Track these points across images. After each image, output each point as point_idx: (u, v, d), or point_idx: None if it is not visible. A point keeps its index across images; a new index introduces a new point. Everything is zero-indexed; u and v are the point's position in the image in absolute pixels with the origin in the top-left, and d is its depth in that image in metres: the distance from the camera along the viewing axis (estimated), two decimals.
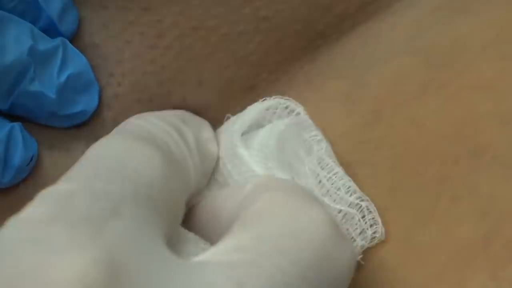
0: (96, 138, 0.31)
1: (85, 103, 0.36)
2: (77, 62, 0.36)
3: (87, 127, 0.37)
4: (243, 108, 0.34)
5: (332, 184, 0.31)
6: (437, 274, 0.28)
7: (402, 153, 0.31)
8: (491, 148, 0.29)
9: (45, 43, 0.35)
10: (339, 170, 0.31)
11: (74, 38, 0.37)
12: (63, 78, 0.35)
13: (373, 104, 0.33)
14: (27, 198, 0.32)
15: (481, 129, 0.30)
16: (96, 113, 0.37)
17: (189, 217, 0.31)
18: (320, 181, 0.31)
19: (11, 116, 0.36)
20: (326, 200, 0.30)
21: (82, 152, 0.31)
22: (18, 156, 0.35)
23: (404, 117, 0.32)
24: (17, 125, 0.35)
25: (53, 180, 0.32)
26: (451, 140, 0.30)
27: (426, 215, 0.29)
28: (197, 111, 0.36)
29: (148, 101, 0.36)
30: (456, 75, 0.32)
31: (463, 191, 0.29)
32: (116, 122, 0.35)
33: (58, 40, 0.36)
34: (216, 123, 0.35)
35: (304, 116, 0.33)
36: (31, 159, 0.35)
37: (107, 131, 0.35)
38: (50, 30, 0.36)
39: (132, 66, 0.36)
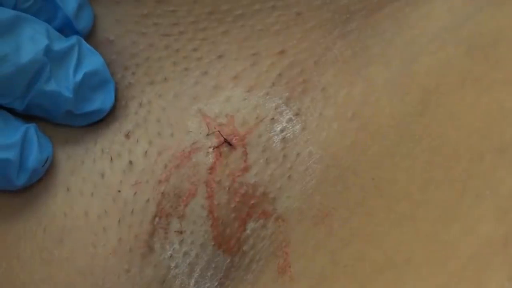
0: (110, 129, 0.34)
1: (102, 101, 0.36)
2: (93, 61, 0.36)
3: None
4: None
5: None
6: (457, 273, 0.27)
7: (438, 146, 0.31)
8: None
9: (61, 43, 0.35)
10: None
11: (88, 35, 0.37)
12: (79, 77, 0.35)
13: (422, 95, 0.33)
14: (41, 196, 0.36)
15: (506, 125, 0.29)
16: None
17: None
18: None
19: (27, 116, 0.37)
20: None
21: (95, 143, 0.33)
22: (33, 158, 0.35)
23: (445, 110, 0.31)
24: (32, 127, 0.35)
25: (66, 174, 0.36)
26: (479, 136, 0.30)
27: (451, 213, 0.29)
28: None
29: (162, 81, 0.37)
30: (491, 68, 0.31)
31: (485, 189, 0.28)
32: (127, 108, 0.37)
33: (74, 38, 0.36)
34: None
35: None
36: (46, 161, 0.36)
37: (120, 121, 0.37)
38: (66, 29, 0.36)
39: (146, 56, 0.38)
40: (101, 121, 0.38)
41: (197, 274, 0.36)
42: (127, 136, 0.37)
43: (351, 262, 0.31)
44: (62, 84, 0.35)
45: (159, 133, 0.37)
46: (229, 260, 0.36)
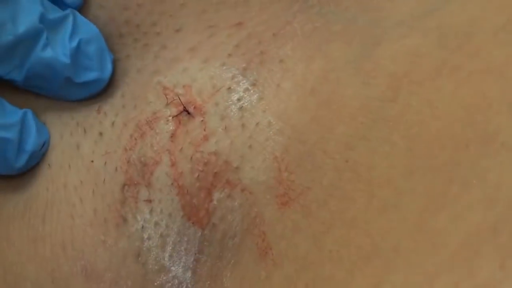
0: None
1: (100, 70, 0.37)
2: (88, 29, 0.36)
3: None
4: None
5: None
6: (448, 261, 0.28)
7: (417, 134, 0.31)
8: (500, 134, 0.28)
9: (55, 12, 0.35)
10: None
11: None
12: (74, 43, 0.35)
13: (390, 81, 0.32)
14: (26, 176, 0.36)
15: (490, 115, 0.29)
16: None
17: None
18: None
19: (26, 90, 0.37)
20: None
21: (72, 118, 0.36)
22: (32, 141, 0.36)
23: (420, 98, 0.31)
24: (29, 111, 0.36)
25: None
26: (462, 124, 0.30)
27: (438, 201, 0.29)
28: None
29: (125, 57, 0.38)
30: (468, 58, 0.31)
31: (472, 178, 0.28)
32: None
33: (68, 10, 0.36)
34: None
35: None
36: (44, 145, 0.36)
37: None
38: (57, 2, 0.36)
39: (109, 32, 0.38)
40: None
41: (170, 248, 0.36)
42: (98, 110, 0.38)
43: (336, 248, 0.31)
44: (59, 50, 0.35)
45: (123, 105, 0.37)
46: (200, 233, 0.35)
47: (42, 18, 0.34)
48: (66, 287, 0.36)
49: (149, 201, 0.36)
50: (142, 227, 0.36)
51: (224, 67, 0.36)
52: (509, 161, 0.28)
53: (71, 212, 0.36)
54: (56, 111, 0.38)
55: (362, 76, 0.33)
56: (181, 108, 0.36)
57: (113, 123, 0.37)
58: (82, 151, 0.37)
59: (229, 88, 0.36)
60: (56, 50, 0.35)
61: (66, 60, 0.35)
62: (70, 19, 0.36)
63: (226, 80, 0.36)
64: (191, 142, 0.35)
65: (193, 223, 0.36)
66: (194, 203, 0.35)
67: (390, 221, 0.30)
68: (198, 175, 0.35)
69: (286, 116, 0.34)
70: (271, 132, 0.34)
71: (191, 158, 0.35)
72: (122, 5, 0.38)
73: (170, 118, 0.36)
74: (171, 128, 0.36)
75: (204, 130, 0.35)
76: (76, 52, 0.35)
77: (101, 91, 0.38)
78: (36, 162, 0.37)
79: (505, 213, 0.27)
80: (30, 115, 0.36)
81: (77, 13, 0.36)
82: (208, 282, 0.35)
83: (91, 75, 0.36)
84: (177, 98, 0.36)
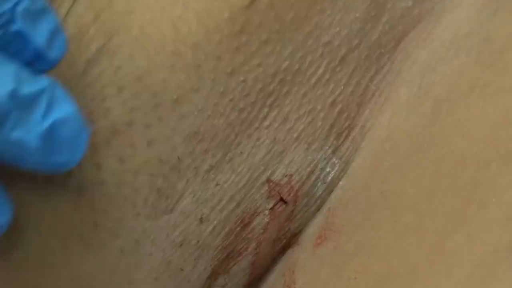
0: None
1: (70, 154, 0.32)
2: (64, 108, 0.32)
3: None
4: None
5: None
6: (463, 283, 0.27)
7: (445, 155, 0.31)
8: None
9: (31, 86, 0.32)
10: None
11: None
12: (47, 123, 0.32)
13: (433, 104, 0.33)
14: None
15: (511, 133, 0.29)
16: None
17: None
18: None
19: None
20: None
21: None
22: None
23: (454, 118, 0.31)
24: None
25: None
26: (486, 143, 0.29)
27: (456, 221, 0.29)
28: None
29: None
30: (498, 75, 0.31)
31: (491, 197, 0.28)
32: None
33: (46, 81, 0.32)
34: None
35: None
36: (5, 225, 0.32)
37: None
38: (38, 60, 0.33)
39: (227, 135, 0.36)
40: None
41: None
42: (201, 220, 0.35)
43: (354, 275, 0.31)
44: (29, 132, 0.32)
45: (231, 209, 0.36)
46: None
47: (13, 95, 0.31)
48: None
49: (223, 286, 0.36)
50: None
51: (321, 151, 0.36)
52: None
53: None
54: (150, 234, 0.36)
55: (416, 106, 0.34)
56: (278, 198, 0.36)
57: (214, 229, 0.35)
58: (172, 265, 0.35)
59: (322, 168, 0.36)
60: (25, 132, 0.32)
61: (36, 143, 0.31)
62: (46, 95, 0.32)
63: (320, 161, 0.36)
64: (279, 227, 0.36)
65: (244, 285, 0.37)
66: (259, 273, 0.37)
67: (408, 244, 0.30)
68: (275, 251, 0.36)
69: (353, 173, 0.35)
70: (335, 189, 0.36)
71: (274, 240, 0.36)
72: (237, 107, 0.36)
73: (267, 211, 0.36)
74: (266, 221, 0.36)
75: (292, 212, 0.36)
76: (48, 134, 0.32)
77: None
78: None
79: None
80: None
81: (57, 86, 0.33)
82: None
83: (60, 158, 0.32)
84: (278, 190, 0.36)
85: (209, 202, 0.34)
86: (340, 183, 0.35)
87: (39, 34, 0.32)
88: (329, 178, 0.36)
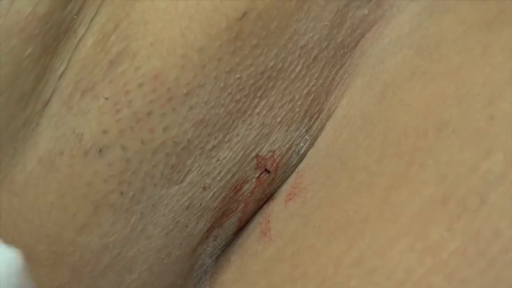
0: None
1: None
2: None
3: None
4: None
5: None
6: (406, 228, 0.32)
7: (391, 127, 0.35)
8: (451, 123, 0.33)
9: None
10: None
11: None
12: None
13: (381, 87, 0.38)
14: None
15: (444, 107, 0.33)
16: None
17: None
18: None
19: None
20: None
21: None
22: None
23: (397, 97, 0.36)
24: None
25: None
26: (424, 117, 0.34)
27: (400, 180, 0.33)
28: None
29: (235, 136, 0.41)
30: (433, 63, 0.35)
31: (428, 159, 0.32)
32: None
33: None
34: None
35: None
36: None
37: None
38: None
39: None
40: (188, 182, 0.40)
41: (214, 257, 0.42)
42: (204, 188, 0.40)
43: (318, 223, 0.35)
44: None
45: (227, 180, 0.40)
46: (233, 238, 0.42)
47: None
48: None
49: (215, 238, 0.41)
50: (204, 250, 0.41)
51: (298, 131, 0.41)
52: (457, 144, 0.32)
53: (158, 262, 0.40)
54: (161, 193, 0.40)
55: (366, 91, 0.39)
56: (263, 169, 0.41)
57: (213, 195, 0.40)
58: (180, 224, 0.40)
59: (297, 144, 0.41)
60: None
61: None
62: None
63: (296, 139, 0.41)
64: (263, 192, 0.41)
65: (232, 234, 0.42)
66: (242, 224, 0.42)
67: (362, 198, 0.34)
68: (256, 208, 0.42)
69: (318, 143, 0.40)
70: (305, 164, 0.40)
71: (258, 200, 0.41)
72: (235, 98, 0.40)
73: (254, 179, 0.40)
74: (252, 187, 0.40)
75: (273, 178, 0.41)
76: None
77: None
78: None
79: (452, 186, 0.31)
80: None
81: None
82: (222, 260, 0.40)
83: None
84: (264, 163, 0.41)
85: (211, 174, 0.39)
86: (308, 152, 0.41)
87: None
88: (302, 151, 0.41)
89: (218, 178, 0.40)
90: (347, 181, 0.36)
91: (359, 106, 0.39)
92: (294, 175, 0.40)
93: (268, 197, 0.41)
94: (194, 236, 0.40)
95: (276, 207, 0.39)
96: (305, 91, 0.40)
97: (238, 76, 0.38)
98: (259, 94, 0.39)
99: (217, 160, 0.39)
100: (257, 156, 0.40)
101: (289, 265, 0.35)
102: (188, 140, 0.37)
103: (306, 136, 0.41)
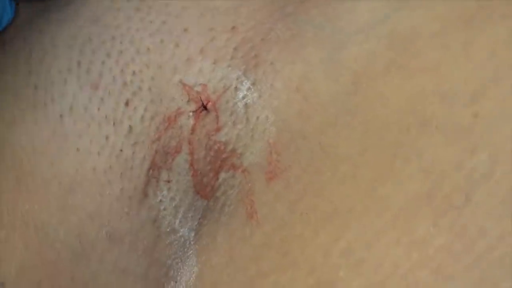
0: None
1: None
2: None
3: None
4: None
5: None
6: (391, 221, 0.32)
7: (370, 120, 0.35)
8: (434, 119, 0.32)
9: None
10: None
11: (76, 16, 0.42)
12: None
13: (353, 78, 0.36)
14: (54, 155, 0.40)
15: (427, 104, 0.33)
16: None
17: None
18: None
19: None
20: None
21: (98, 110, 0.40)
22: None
23: (374, 90, 0.35)
24: None
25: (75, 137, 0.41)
26: (405, 112, 0.33)
27: (385, 173, 0.33)
28: None
29: (146, 51, 0.41)
30: (410, 58, 0.35)
31: (412, 154, 0.32)
32: None
33: None
34: None
35: None
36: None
37: None
38: None
39: (127, 27, 0.42)
40: (104, 88, 0.40)
41: (180, 215, 0.40)
42: (127, 104, 0.40)
43: (306, 211, 0.35)
44: None
45: (152, 100, 0.40)
46: (205, 203, 0.40)
47: None
48: (91, 248, 0.40)
49: (168, 181, 0.40)
50: (160, 200, 0.40)
51: (230, 68, 0.39)
52: (441, 140, 0.32)
53: (100, 190, 0.40)
54: (81, 101, 0.40)
55: (332, 75, 0.37)
56: (199, 104, 0.39)
57: (142, 117, 0.40)
58: (111, 142, 0.40)
59: (236, 87, 0.39)
60: None
61: None
62: None
63: (232, 80, 0.39)
64: (206, 133, 0.39)
65: (200, 196, 0.40)
66: (203, 181, 0.39)
67: (347, 189, 0.34)
68: (210, 160, 0.39)
69: (278, 111, 0.38)
70: (267, 124, 0.38)
71: (205, 146, 0.39)
72: (135, 6, 0.41)
73: (191, 113, 0.39)
74: (191, 122, 0.39)
75: (217, 123, 0.39)
76: None
77: (124, 79, 0.40)
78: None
79: (437, 182, 0.31)
80: None
81: None
82: (206, 239, 0.39)
83: None
84: (198, 96, 0.39)
85: (128, 87, 0.40)
86: (268, 115, 0.39)
87: None
88: (248, 100, 0.39)
89: (139, 94, 0.40)
90: (331, 171, 0.35)
91: (327, 90, 0.37)
92: (264, 145, 0.39)
93: (226, 154, 0.40)
94: (134, 170, 0.40)
95: (256, 184, 0.38)
96: (229, 26, 0.40)
97: None
98: (166, 11, 0.40)
99: (133, 73, 0.40)
100: (182, 83, 0.40)
101: (278, 252, 0.35)
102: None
103: (247, 82, 0.40)
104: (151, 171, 0.40)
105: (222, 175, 0.39)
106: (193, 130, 0.39)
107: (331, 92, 0.37)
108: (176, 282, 0.39)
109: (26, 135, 0.41)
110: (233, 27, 0.40)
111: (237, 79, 0.40)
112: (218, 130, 0.39)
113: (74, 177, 0.40)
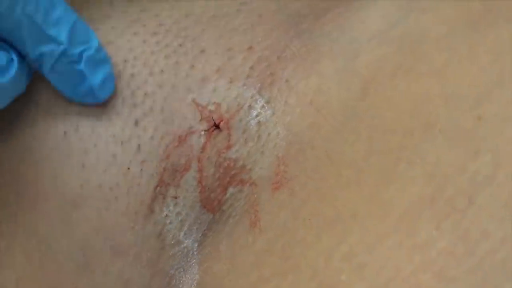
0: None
1: (103, 80, 0.39)
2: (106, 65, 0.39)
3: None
4: None
5: None
6: (394, 225, 0.31)
7: (376, 124, 0.34)
8: (438, 123, 0.32)
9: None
10: None
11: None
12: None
13: (363, 84, 0.36)
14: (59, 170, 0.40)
15: (431, 107, 0.33)
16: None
17: None
18: None
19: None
20: None
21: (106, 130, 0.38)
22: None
23: (381, 95, 0.35)
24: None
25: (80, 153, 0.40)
26: (410, 116, 0.33)
27: (388, 177, 0.32)
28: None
29: (159, 72, 0.41)
30: (417, 61, 0.35)
31: (416, 158, 0.32)
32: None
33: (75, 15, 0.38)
34: None
35: None
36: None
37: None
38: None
39: (142, 50, 0.41)
40: (112, 109, 0.40)
41: (186, 228, 0.40)
42: (136, 123, 0.40)
43: (309, 217, 0.35)
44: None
45: (163, 120, 0.40)
46: (211, 217, 0.39)
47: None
48: (95, 260, 0.39)
49: (175, 197, 0.39)
50: (166, 215, 0.39)
51: (245, 87, 0.40)
52: (444, 144, 0.31)
53: (106, 205, 0.39)
54: (87, 119, 0.40)
55: (344, 84, 0.37)
56: (212, 123, 0.39)
57: (152, 137, 0.40)
58: (119, 160, 0.40)
59: (250, 105, 0.39)
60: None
61: (63, 39, 0.37)
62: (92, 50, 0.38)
63: (247, 99, 0.39)
64: (217, 151, 0.39)
65: (207, 210, 0.40)
66: (211, 197, 0.39)
67: (350, 194, 0.33)
68: (219, 176, 0.39)
69: (290, 126, 0.38)
70: (278, 140, 0.38)
71: (215, 163, 0.39)
72: (152, 31, 0.41)
73: (203, 132, 0.39)
74: (202, 141, 0.39)
75: (229, 141, 0.39)
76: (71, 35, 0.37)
77: (134, 101, 0.40)
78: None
79: (440, 185, 0.31)
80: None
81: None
82: (209, 248, 0.39)
83: (96, 79, 0.38)
84: (210, 116, 0.39)
85: (138, 107, 0.40)
86: (280, 131, 0.39)
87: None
88: (261, 118, 0.39)
89: (150, 114, 0.40)
90: (335, 176, 0.35)
91: (337, 98, 0.37)
92: (273, 158, 0.39)
93: (235, 170, 0.40)
94: (142, 186, 0.39)
95: (262, 195, 0.38)
96: (246, 45, 0.40)
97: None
98: (183, 34, 0.40)
99: (145, 94, 0.40)
100: (195, 102, 0.40)
101: (280, 257, 0.34)
102: None
103: (261, 100, 0.40)
104: (158, 188, 0.39)
105: (230, 190, 0.39)
106: (203, 149, 0.39)
107: (342, 100, 0.37)
108: None
109: (26, 149, 0.40)
110: (250, 47, 0.40)
111: (252, 97, 0.40)
112: (229, 147, 0.39)
113: (79, 192, 0.40)
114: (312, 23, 0.40)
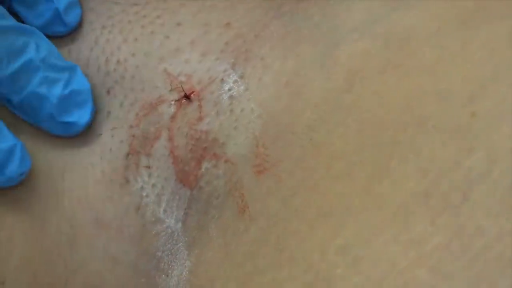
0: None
1: (79, 116, 0.39)
2: (82, 82, 0.39)
3: None
4: None
5: None
6: (389, 219, 0.31)
7: (366, 118, 0.34)
8: (431, 119, 0.32)
9: (59, 61, 0.38)
10: None
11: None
12: (66, 91, 0.38)
13: (346, 76, 0.36)
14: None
15: (424, 103, 0.32)
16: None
17: None
18: None
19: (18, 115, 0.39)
20: None
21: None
22: (13, 169, 0.37)
23: (370, 89, 0.35)
24: (19, 144, 0.38)
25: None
26: (402, 111, 0.33)
27: (382, 171, 0.32)
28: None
29: (133, 40, 0.41)
30: (407, 57, 0.34)
31: (409, 153, 0.32)
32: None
33: (70, 63, 0.39)
34: None
35: None
36: (22, 174, 0.38)
37: None
38: (56, 22, 0.39)
39: (120, 19, 0.41)
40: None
41: (164, 204, 0.39)
42: (108, 92, 0.40)
43: (301, 208, 0.34)
44: (52, 91, 0.38)
45: (132, 88, 0.40)
46: (189, 193, 0.39)
47: (44, 60, 0.37)
48: (82, 232, 0.39)
49: (148, 167, 0.39)
50: (142, 187, 0.39)
51: (218, 61, 0.39)
52: (438, 140, 0.31)
53: (85, 173, 0.39)
54: None
55: (324, 72, 0.37)
56: (182, 94, 0.39)
57: (121, 104, 0.40)
58: (92, 127, 0.40)
59: (222, 79, 0.39)
60: (50, 90, 0.38)
61: (54, 100, 0.38)
62: (69, 71, 0.38)
63: (219, 73, 0.39)
64: (187, 122, 0.39)
65: (184, 185, 0.39)
66: (185, 170, 0.39)
67: (342, 187, 0.33)
68: (191, 148, 0.39)
69: (265, 104, 0.38)
70: (252, 117, 0.38)
71: (186, 134, 0.39)
72: (132, 2, 0.41)
73: (173, 102, 0.39)
74: (172, 110, 0.39)
75: (200, 113, 0.39)
76: (65, 98, 0.38)
77: (108, 68, 0.40)
78: (14, 184, 0.38)
79: (434, 181, 0.31)
80: (19, 147, 0.37)
81: (78, 68, 0.39)
82: (195, 231, 0.39)
83: (71, 118, 0.39)
84: (181, 85, 0.39)
85: (110, 75, 0.40)
86: (254, 108, 0.38)
87: (61, 2, 0.39)
88: (233, 92, 0.39)
89: (121, 82, 0.40)
90: (324, 168, 0.35)
91: (318, 85, 0.37)
92: (249, 137, 0.38)
93: (207, 143, 0.40)
94: (114, 152, 0.40)
95: (244, 176, 0.38)
96: (223, 22, 0.40)
97: None
98: (163, 6, 0.40)
99: (117, 60, 0.40)
100: (167, 72, 0.40)
101: (275, 249, 0.34)
102: None
103: (234, 74, 0.40)
104: (130, 155, 0.39)
105: (204, 164, 0.39)
106: (173, 118, 0.39)
107: (323, 89, 0.36)
108: (167, 276, 0.39)
109: None
110: (227, 23, 0.40)
111: (224, 71, 0.39)
112: (200, 119, 0.39)
113: (63, 160, 0.40)
114: (294, 5, 0.39)
